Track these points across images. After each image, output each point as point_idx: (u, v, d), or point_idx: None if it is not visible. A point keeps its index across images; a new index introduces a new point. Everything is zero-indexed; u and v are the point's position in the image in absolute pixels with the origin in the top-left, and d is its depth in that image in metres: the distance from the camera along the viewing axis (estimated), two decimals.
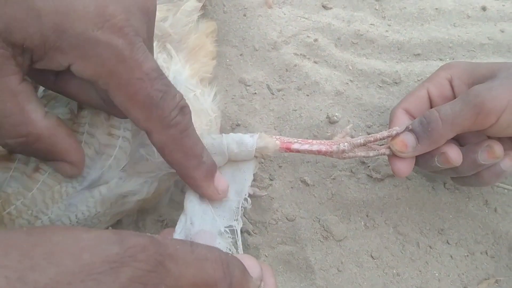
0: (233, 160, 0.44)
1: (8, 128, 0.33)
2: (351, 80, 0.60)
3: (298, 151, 0.46)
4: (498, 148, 0.45)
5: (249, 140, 0.43)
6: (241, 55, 0.62)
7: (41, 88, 0.48)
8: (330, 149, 0.46)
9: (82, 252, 0.24)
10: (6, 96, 0.31)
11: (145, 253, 0.25)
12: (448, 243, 0.53)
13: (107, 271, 0.23)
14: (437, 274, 0.52)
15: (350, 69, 0.61)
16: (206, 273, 0.28)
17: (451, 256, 0.53)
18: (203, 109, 0.46)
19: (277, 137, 0.45)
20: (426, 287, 0.51)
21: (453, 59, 0.62)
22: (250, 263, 0.32)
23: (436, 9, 0.66)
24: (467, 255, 0.53)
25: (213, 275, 0.28)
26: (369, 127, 0.57)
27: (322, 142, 0.46)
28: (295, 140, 0.46)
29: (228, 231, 0.40)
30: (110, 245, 0.25)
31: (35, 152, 0.36)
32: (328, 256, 0.52)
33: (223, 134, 0.44)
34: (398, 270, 0.52)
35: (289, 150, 0.46)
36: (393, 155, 0.47)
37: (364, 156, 0.47)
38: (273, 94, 0.60)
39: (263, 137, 0.44)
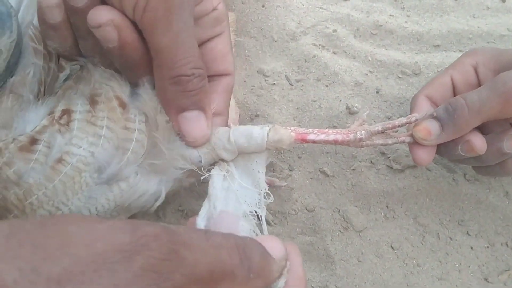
0: (245, 152, 0.43)
1: None
2: (370, 71, 0.60)
3: (314, 141, 0.44)
4: None
5: (259, 133, 0.42)
6: (259, 46, 0.62)
7: (61, 78, 0.48)
8: (347, 138, 0.44)
9: (95, 242, 0.24)
10: None
11: (157, 241, 0.25)
12: (469, 234, 0.53)
13: (120, 260, 0.23)
14: (457, 265, 0.52)
15: (369, 60, 0.61)
16: (222, 260, 0.28)
17: (472, 247, 0.53)
18: None
19: (292, 128, 0.44)
20: (446, 278, 0.51)
21: None
22: (273, 244, 0.32)
23: (456, 0, 0.66)
24: (488, 246, 0.53)
25: (229, 262, 0.28)
26: (389, 118, 0.57)
27: (339, 131, 0.45)
28: (311, 131, 0.44)
29: (253, 213, 0.40)
30: (122, 234, 0.25)
31: None
32: (348, 246, 0.52)
33: (231, 128, 0.43)
34: (418, 261, 0.52)
35: (304, 141, 0.44)
36: (414, 143, 0.46)
37: (382, 144, 0.46)
38: (292, 85, 0.60)
39: (277, 129, 0.42)
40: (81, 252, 0.23)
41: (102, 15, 0.37)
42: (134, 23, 0.38)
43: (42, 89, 0.44)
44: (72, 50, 0.42)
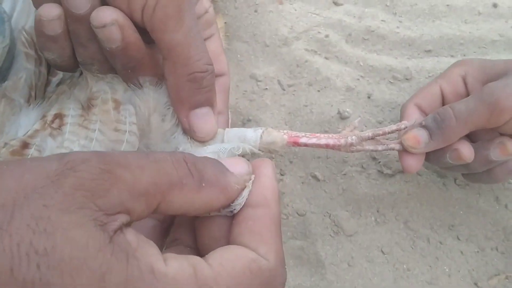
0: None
1: None
2: (362, 76, 0.60)
3: (306, 145, 0.45)
4: (510, 145, 0.45)
5: (252, 136, 0.42)
6: (252, 50, 0.63)
7: (54, 83, 0.48)
8: (338, 143, 0.45)
9: (24, 174, 0.25)
10: None
11: (85, 164, 0.25)
12: (459, 239, 0.53)
13: (48, 185, 0.24)
14: (447, 270, 0.52)
15: (361, 65, 0.61)
16: (166, 172, 0.28)
17: (462, 252, 0.53)
18: None
19: (285, 131, 0.45)
20: (436, 283, 0.51)
21: (464, 55, 0.62)
22: (234, 161, 0.32)
23: (448, 5, 0.66)
24: (478, 251, 0.53)
25: (175, 173, 0.28)
26: (380, 123, 0.57)
27: (330, 135, 0.46)
28: (303, 134, 0.45)
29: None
30: (50, 163, 0.25)
31: None
32: (338, 251, 0.52)
33: (225, 129, 0.43)
34: (408, 266, 0.52)
35: (297, 144, 0.45)
36: (403, 151, 0.46)
37: (372, 150, 0.46)
38: (284, 89, 0.60)
39: (270, 132, 0.43)
40: (11, 184, 0.24)
41: (106, 15, 0.37)
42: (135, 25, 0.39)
43: (33, 94, 0.44)
44: (70, 60, 0.42)
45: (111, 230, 0.25)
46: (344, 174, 0.55)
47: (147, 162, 0.27)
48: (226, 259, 0.28)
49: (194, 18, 0.39)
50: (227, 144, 0.42)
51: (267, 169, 0.33)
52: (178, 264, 0.26)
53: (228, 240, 0.31)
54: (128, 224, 0.27)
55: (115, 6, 0.37)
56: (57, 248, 0.23)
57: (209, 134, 0.41)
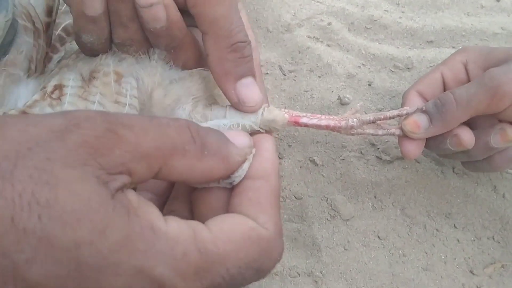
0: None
1: None
2: (363, 64, 0.61)
3: (306, 125, 0.45)
4: (511, 131, 0.45)
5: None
6: (254, 36, 0.63)
7: (55, 59, 0.48)
8: (339, 125, 0.45)
9: (28, 126, 0.25)
10: None
11: (89, 121, 0.26)
12: (455, 227, 0.53)
13: (52, 139, 0.25)
14: (443, 257, 0.52)
15: (362, 53, 0.61)
16: (169, 136, 0.28)
17: (458, 240, 0.53)
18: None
19: (286, 110, 0.45)
20: (431, 269, 0.51)
21: None
22: (235, 133, 0.32)
23: None
24: (474, 240, 0.53)
25: (178, 138, 0.28)
26: (380, 110, 0.57)
27: (331, 117, 0.46)
28: (304, 114, 0.45)
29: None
30: (54, 118, 0.26)
31: None
32: (335, 234, 0.52)
33: (227, 106, 0.43)
34: (404, 251, 0.52)
35: (297, 124, 0.45)
36: (403, 136, 0.46)
37: (373, 134, 0.46)
38: (285, 75, 0.60)
39: (271, 110, 0.43)
40: (14, 136, 0.24)
41: None
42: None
43: (32, 67, 0.44)
44: (106, 42, 0.42)
45: (112, 188, 0.25)
46: (343, 159, 0.55)
47: (151, 125, 0.28)
48: (226, 225, 0.28)
49: None
50: (227, 121, 0.42)
51: (268, 143, 0.34)
52: (178, 225, 0.27)
53: (226, 211, 0.31)
54: (129, 186, 0.27)
55: None
56: (59, 200, 0.23)
57: (258, 103, 0.41)
